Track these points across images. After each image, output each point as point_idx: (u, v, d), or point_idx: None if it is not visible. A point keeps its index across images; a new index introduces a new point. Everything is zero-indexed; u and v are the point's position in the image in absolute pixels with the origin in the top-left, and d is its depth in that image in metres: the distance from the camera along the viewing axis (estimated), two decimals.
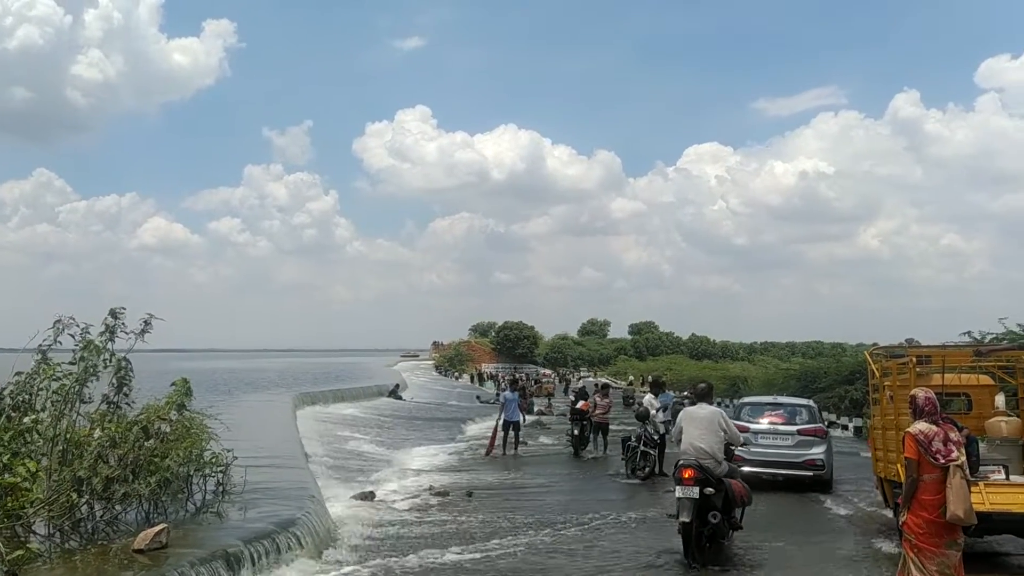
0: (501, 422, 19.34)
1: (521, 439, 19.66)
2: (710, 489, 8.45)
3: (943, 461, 6.09)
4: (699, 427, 8.82)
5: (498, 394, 45.52)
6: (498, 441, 19.19)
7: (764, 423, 14.48)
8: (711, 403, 9.46)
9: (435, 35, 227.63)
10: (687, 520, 8.34)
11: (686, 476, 8.46)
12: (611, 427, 19.58)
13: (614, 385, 55.00)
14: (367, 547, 9.33)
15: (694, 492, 8.36)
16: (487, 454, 18.83)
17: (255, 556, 7.45)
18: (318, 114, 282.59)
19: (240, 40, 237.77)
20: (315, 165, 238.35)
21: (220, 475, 9.31)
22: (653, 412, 15.97)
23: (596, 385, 27.30)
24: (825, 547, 9.83)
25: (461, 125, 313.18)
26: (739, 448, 10.49)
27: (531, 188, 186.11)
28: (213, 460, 9.15)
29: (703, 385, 9.80)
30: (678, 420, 9.28)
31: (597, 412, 19.19)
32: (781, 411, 14.86)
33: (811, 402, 15.79)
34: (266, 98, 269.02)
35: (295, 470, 12.48)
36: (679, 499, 8.46)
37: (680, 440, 8.90)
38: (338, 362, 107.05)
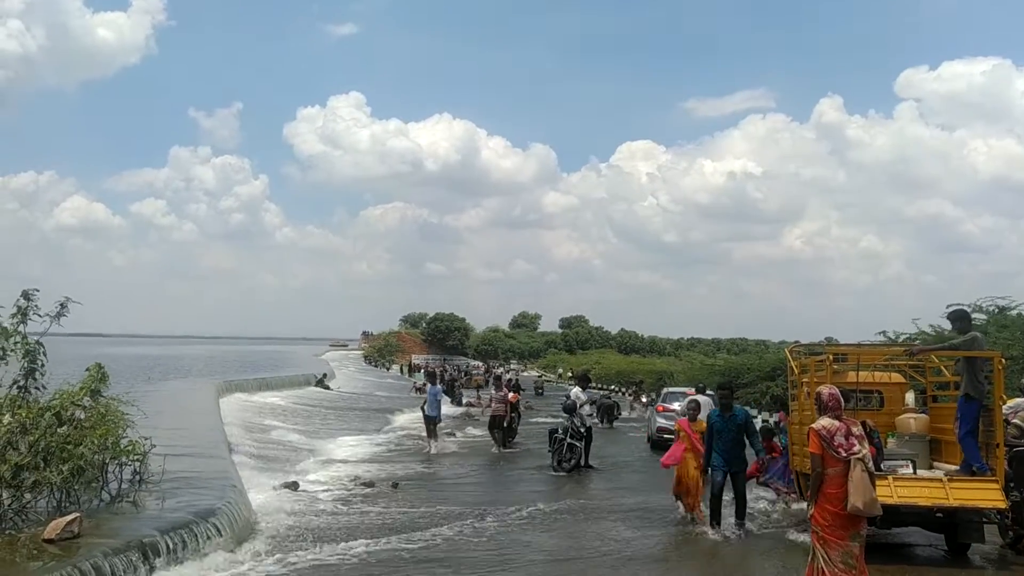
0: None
1: (450, 431, 19.50)
2: None
3: (845, 455, 6.27)
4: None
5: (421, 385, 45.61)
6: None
7: (678, 406, 17.88)
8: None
9: (369, 22, 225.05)
10: None
11: None
12: (538, 420, 19.66)
13: (544, 377, 55.38)
14: (289, 538, 9.21)
15: None
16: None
17: (172, 546, 7.32)
18: (248, 97, 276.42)
19: (169, 18, 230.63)
20: (244, 149, 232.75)
21: (137, 463, 9.05)
22: (580, 405, 16.13)
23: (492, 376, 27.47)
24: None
25: (395, 113, 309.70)
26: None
27: (465, 179, 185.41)
28: (130, 448, 8.88)
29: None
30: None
31: (493, 405, 19.07)
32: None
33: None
34: (194, 78, 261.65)
35: (217, 459, 12.28)
36: None
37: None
38: (264, 350, 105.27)
